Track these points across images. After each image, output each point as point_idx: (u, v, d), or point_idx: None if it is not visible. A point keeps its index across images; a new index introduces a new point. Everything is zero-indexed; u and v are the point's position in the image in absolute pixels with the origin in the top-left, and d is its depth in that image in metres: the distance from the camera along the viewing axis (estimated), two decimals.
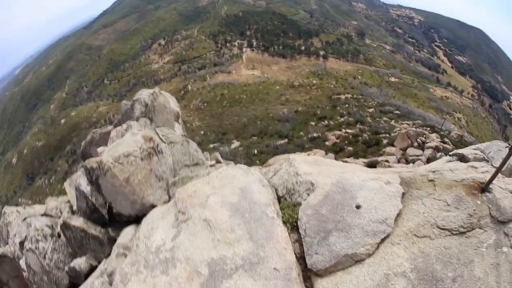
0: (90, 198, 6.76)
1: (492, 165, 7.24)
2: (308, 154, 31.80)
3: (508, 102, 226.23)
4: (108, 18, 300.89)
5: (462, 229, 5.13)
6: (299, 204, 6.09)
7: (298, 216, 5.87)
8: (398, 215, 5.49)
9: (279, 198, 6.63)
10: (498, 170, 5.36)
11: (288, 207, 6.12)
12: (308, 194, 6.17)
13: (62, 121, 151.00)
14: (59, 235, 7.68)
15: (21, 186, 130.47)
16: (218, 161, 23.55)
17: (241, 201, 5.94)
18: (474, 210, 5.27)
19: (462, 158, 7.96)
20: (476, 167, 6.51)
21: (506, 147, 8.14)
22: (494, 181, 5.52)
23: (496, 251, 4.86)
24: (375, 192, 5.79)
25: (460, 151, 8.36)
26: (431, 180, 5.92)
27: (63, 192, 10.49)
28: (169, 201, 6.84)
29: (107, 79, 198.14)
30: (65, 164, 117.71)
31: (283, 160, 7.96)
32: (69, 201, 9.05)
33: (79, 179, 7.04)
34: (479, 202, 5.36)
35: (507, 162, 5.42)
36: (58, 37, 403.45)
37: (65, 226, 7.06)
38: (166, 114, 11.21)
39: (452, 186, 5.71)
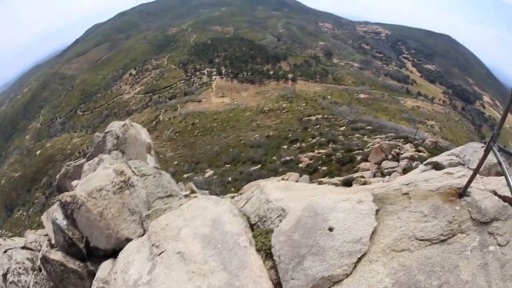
0: (67, 232, 6.69)
1: (468, 167, 7.42)
2: (282, 178, 31.87)
3: (481, 102, 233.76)
4: (81, 47, 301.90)
5: (442, 237, 5.11)
6: (272, 231, 6.03)
7: (271, 243, 5.80)
8: (373, 232, 5.43)
9: (252, 226, 6.57)
10: (474, 173, 5.38)
11: (261, 234, 6.07)
12: (280, 221, 6.12)
13: (38, 152, 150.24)
14: (40, 269, 7.57)
15: (0, 217, 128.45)
16: (192, 191, 23.39)
17: (213, 232, 5.88)
18: (453, 216, 5.26)
19: (437, 166, 8.05)
20: (451, 173, 6.59)
21: (482, 147, 7.45)
22: (472, 184, 5.56)
23: (482, 251, 4.89)
24: (347, 212, 5.73)
25: (434, 159, 8.48)
26: (405, 194, 5.90)
27: (41, 225, 10.51)
28: (143, 234, 6.75)
29: (80, 110, 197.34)
30: (42, 196, 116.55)
31: (255, 187, 7.86)
32: (47, 234, 9.01)
33: (55, 212, 6.95)
34: (457, 208, 5.37)
35: (484, 163, 5.36)
36: (32, 63, 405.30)
37: (45, 260, 6.96)
38: (137, 146, 11.13)
39: (428, 196, 5.69)
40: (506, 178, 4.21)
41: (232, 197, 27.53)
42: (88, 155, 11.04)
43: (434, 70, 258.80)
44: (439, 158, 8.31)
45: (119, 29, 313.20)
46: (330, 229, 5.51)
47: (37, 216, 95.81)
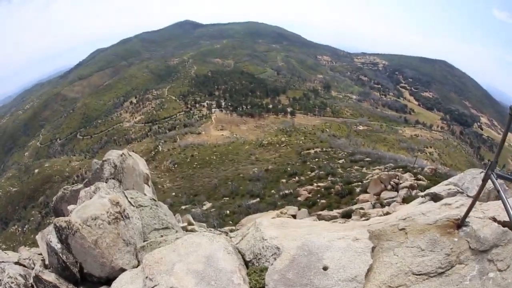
0: (61, 255, 6.60)
1: (467, 195, 7.57)
2: (281, 212, 31.73)
3: (478, 124, 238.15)
4: (84, 70, 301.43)
5: (440, 270, 5.05)
6: (266, 269, 5.89)
7: (265, 281, 5.60)
8: (369, 270, 5.34)
9: (247, 263, 6.45)
10: (472, 204, 5.36)
11: (255, 272, 5.92)
12: (275, 259, 5.99)
13: (36, 170, 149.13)
14: (32, 287, 7.34)
15: None
16: (190, 223, 23.26)
17: (206, 269, 5.71)
18: (451, 248, 5.23)
19: (435, 197, 8.11)
20: (449, 204, 6.58)
21: (480, 173, 8.21)
22: (470, 213, 5.54)
23: (482, 279, 4.84)
24: (342, 251, 5.67)
25: (432, 190, 8.54)
26: (402, 229, 5.95)
27: (36, 243, 10.26)
28: (138, 265, 6.67)
29: (80, 134, 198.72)
30: (38, 215, 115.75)
31: (251, 224, 7.78)
32: (41, 254, 8.90)
33: (50, 235, 6.86)
34: (456, 240, 5.36)
35: (481, 193, 5.32)
36: (35, 81, 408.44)
37: (38, 279, 6.79)
38: (135, 176, 11.05)
39: (425, 230, 5.72)
40: (505, 206, 4.16)
41: (231, 230, 27.48)
42: (85, 181, 10.94)
43: (432, 97, 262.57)
44: (437, 189, 8.37)
45: (122, 55, 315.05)
46: (325, 268, 5.42)
47: (32, 233, 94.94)
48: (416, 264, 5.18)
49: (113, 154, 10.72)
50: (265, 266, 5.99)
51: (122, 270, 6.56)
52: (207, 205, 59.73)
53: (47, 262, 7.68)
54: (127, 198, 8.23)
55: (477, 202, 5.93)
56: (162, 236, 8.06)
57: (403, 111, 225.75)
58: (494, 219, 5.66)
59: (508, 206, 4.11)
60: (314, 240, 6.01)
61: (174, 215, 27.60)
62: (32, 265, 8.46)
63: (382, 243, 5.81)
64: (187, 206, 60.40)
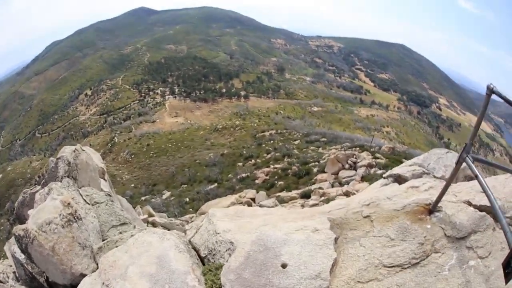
0: (26, 266, 6.46)
1: (434, 176, 7.34)
2: (240, 196, 31.83)
3: (437, 105, 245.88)
4: (40, 65, 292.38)
5: (414, 260, 4.79)
6: (222, 266, 5.47)
7: (221, 282, 5.16)
8: (334, 264, 4.97)
9: (202, 259, 6.15)
10: (445, 187, 5.02)
11: (211, 271, 5.59)
12: (230, 255, 5.59)
13: (0, 176, 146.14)
14: None
15: None
16: (150, 215, 23.04)
17: (159, 271, 5.36)
18: (425, 237, 4.98)
19: (399, 178, 7.84)
20: (417, 187, 6.37)
21: (446, 153, 8.13)
22: (442, 197, 5.21)
23: (462, 268, 4.64)
24: (301, 245, 5.24)
25: (395, 170, 8.28)
26: (366, 216, 5.64)
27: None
28: (97, 268, 6.25)
29: (38, 132, 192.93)
30: (7, 223, 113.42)
31: (205, 215, 7.54)
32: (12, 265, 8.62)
33: (14, 246, 6.76)
34: (428, 227, 5.11)
35: (455, 176, 4.93)
36: None
37: None
38: (90, 171, 10.67)
39: (393, 218, 5.43)
40: (486, 192, 3.85)
41: (191, 218, 27.10)
42: (42, 182, 10.45)
43: (388, 79, 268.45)
44: (401, 170, 8.11)
45: (77, 46, 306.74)
46: (284, 266, 5.01)
47: (4, 243, 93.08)
48: (386, 256, 4.88)
49: (66, 151, 10.32)
50: (221, 264, 5.67)
51: (83, 275, 6.26)
52: (167, 194, 59.56)
53: (17, 274, 7.44)
54: (82, 196, 7.91)
55: (443, 182, 5.60)
56: (120, 232, 7.79)
57: (359, 92, 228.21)
58: (469, 203, 5.49)
59: (490, 192, 3.81)
60: (270, 233, 5.61)
61: (135, 207, 27.30)
62: (7, 279, 8.17)
63: (345, 233, 5.49)
64: (146, 196, 60.53)
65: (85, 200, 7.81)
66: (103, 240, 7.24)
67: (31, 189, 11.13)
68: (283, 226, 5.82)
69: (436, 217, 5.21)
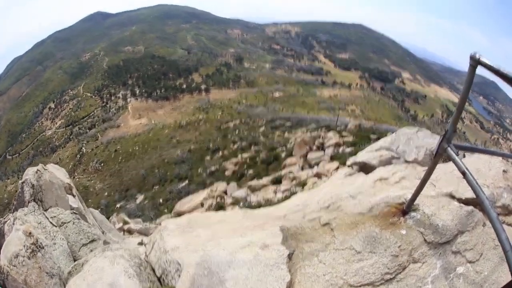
0: None
1: (406, 161, 6.47)
2: (211, 190, 31.82)
3: (400, 79, 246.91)
4: (2, 85, 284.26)
5: (388, 276, 3.99)
6: None
7: None
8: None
9: (159, 279, 5.53)
10: (421, 186, 4.16)
11: None
12: (179, 276, 4.86)
13: None
14: None
15: None
16: (125, 222, 22.92)
17: None
18: (399, 246, 4.16)
19: (365, 167, 6.96)
20: (386, 178, 5.63)
21: (416, 132, 7.19)
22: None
23: (448, 278, 3.94)
24: (248, 267, 4.35)
25: (359, 157, 7.38)
26: (325, 224, 4.80)
27: None
28: None
29: (8, 154, 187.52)
30: None
31: (158, 229, 6.86)
32: None
33: None
34: (403, 232, 4.29)
35: (433, 171, 3.99)
36: None
37: None
38: (55, 190, 10.47)
39: (358, 224, 4.59)
40: (475, 191, 2.98)
41: (171, 218, 27.07)
42: (13, 208, 10.30)
43: (348, 58, 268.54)
44: (366, 156, 7.22)
45: (37, 60, 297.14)
46: None
47: None
48: (352, 273, 4.05)
49: (29, 173, 10.16)
50: (172, 286, 5.11)
51: None
52: (140, 197, 59.50)
53: None
54: (48, 219, 7.77)
55: (417, 167, 5.40)
56: (91, 250, 7.72)
57: (320, 74, 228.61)
58: (452, 196, 4.73)
59: (482, 194, 2.92)
60: (214, 252, 4.75)
61: (110, 216, 27.06)
62: None
63: (301, 246, 4.56)
64: (121, 203, 60.22)
65: (51, 223, 7.68)
66: (75, 261, 7.15)
67: (4, 218, 10.95)
68: (229, 242, 4.96)
69: (413, 219, 4.42)
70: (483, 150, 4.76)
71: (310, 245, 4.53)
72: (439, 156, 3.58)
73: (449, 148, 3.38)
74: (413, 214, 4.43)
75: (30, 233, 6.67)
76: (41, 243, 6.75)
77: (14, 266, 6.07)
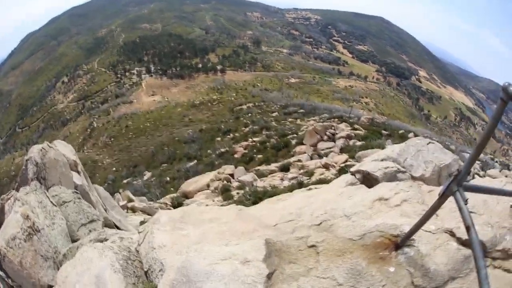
0: (7, 280, 6.49)
1: (412, 176, 6.01)
2: (218, 172, 31.74)
3: (416, 77, 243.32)
4: (16, 59, 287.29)
5: None
6: None
7: None
8: None
9: (146, 273, 5.46)
10: (421, 223, 3.76)
11: None
12: (162, 276, 4.77)
13: None
14: None
15: None
16: (130, 200, 22.94)
17: None
18: (383, 285, 3.80)
19: (367, 177, 6.46)
20: (386, 199, 5.06)
21: (428, 143, 6.71)
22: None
23: None
24: (226, 281, 4.02)
25: (363, 166, 6.75)
26: (312, 246, 4.46)
27: None
28: None
29: (18, 127, 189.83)
30: None
31: (152, 220, 6.68)
32: None
33: None
34: (391, 270, 3.92)
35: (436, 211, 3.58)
36: None
37: None
38: (59, 168, 10.47)
39: (345, 252, 4.25)
40: (471, 239, 2.70)
41: (172, 199, 26.79)
42: (16, 185, 10.16)
43: (366, 50, 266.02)
44: (371, 166, 6.61)
45: (52, 35, 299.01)
46: None
47: None
48: None
49: (34, 151, 10.17)
50: (155, 285, 5.06)
51: (51, 286, 6.29)
52: (147, 174, 59.49)
53: None
54: (49, 198, 7.89)
55: (422, 187, 4.93)
56: (90, 231, 7.92)
57: (336, 63, 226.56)
58: (452, 234, 4.28)
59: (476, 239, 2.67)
60: (195, 260, 4.45)
61: (117, 192, 27.10)
62: None
63: (283, 266, 4.27)
64: (128, 179, 60.13)
65: (52, 202, 7.79)
66: (73, 241, 7.22)
67: (7, 195, 10.96)
68: (212, 251, 4.62)
69: (405, 255, 4.06)
70: (499, 191, 3.76)
71: (292, 266, 4.26)
72: (445, 197, 3.13)
73: (457, 193, 2.91)
74: (406, 250, 4.09)
75: (27, 216, 6.75)
76: (37, 226, 6.87)
77: (11, 248, 6.22)
